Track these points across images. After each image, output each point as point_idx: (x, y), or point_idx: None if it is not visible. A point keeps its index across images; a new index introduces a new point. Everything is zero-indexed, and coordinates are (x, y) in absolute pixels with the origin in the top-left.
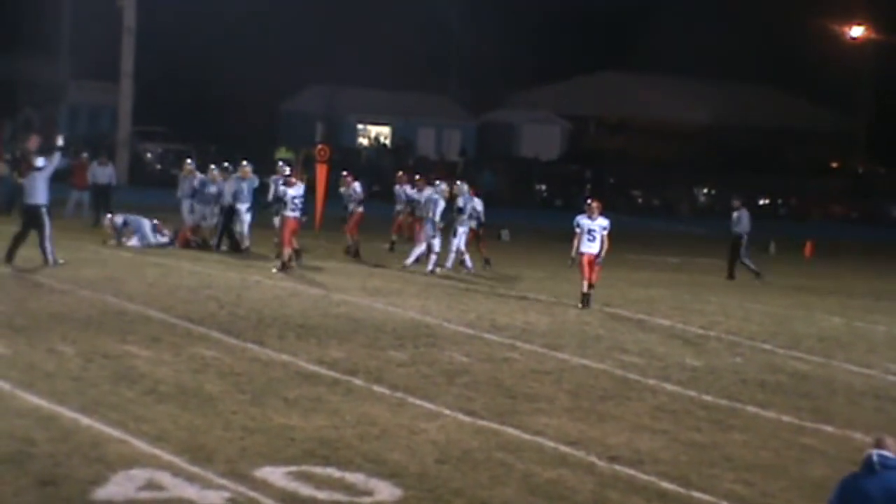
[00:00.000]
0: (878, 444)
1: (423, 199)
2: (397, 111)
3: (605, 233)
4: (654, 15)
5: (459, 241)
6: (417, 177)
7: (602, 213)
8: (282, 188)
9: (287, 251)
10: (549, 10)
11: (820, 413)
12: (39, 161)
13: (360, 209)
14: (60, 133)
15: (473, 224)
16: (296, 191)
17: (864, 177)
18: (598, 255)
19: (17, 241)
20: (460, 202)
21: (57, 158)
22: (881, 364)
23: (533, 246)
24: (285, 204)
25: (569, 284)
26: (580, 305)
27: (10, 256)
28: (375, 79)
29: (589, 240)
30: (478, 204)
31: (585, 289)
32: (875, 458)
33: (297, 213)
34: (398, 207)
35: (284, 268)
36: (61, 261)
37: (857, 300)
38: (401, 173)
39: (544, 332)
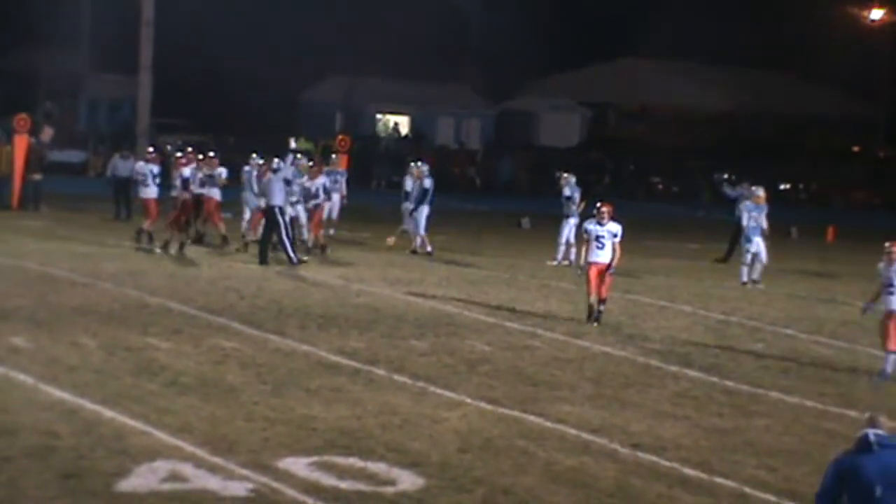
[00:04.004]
0: (872, 423)
1: (314, 188)
2: (416, 100)
3: (616, 240)
4: (674, 1)
5: (570, 233)
6: (311, 164)
7: (613, 219)
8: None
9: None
10: None
11: (843, 398)
12: (275, 163)
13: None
14: (294, 137)
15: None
16: (188, 171)
17: (885, 162)
18: (608, 266)
19: (265, 242)
20: (567, 192)
21: (290, 161)
22: None
23: (553, 234)
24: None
25: None
26: (587, 320)
27: (263, 258)
28: (394, 68)
29: (598, 247)
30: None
31: (594, 303)
32: (872, 437)
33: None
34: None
35: (166, 247)
36: (305, 258)
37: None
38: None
39: (565, 320)
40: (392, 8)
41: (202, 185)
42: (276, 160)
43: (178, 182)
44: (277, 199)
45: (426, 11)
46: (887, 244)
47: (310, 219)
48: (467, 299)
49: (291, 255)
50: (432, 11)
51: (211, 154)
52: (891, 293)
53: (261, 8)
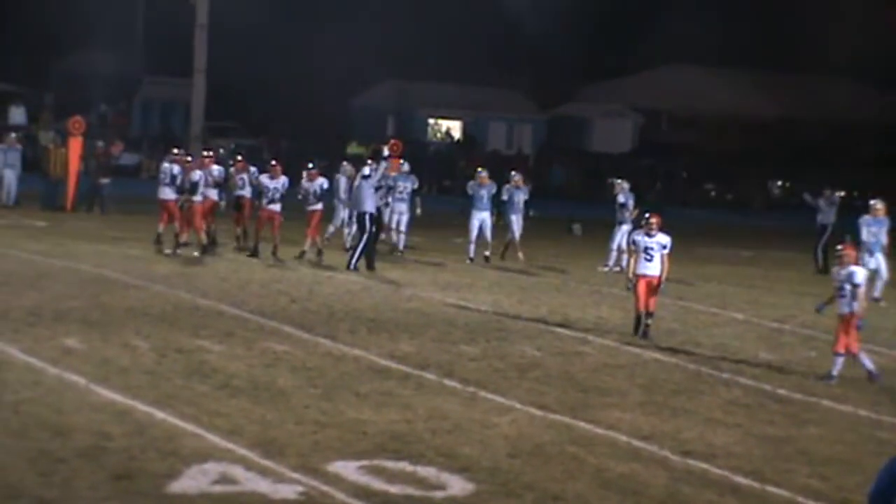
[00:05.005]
0: None
1: (273, 187)
2: (468, 106)
3: (665, 252)
4: (725, 7)
5: (621, 239)
6: (273, 163)
7: (662, 230)
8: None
9: (201, 235)
10: (619, 2)
11: None
12: (366, 170)
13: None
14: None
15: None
16: (198, 175)
17: None
18: (658, 281)
19: (367, 248)
20: (621, 199)
21: (382, 167)
22: None
23: (604, 239)
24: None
25: None
26: (636, 334)
27: (371, 265)
28: (446, 73)
29: (646, 259)
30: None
31: (643, 317)
32: None
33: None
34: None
35: (205, 250)
36: (359, 271)
37: None
38: (239, 159)
39: (616, 326)
40: (444, 13)
41: (215, 186)
42: (366, 167)
43: (188, 185)
44: (368, 205)
45: (478, 17)
46: (839, 247)
47: (308, 222)
48: (518, 304)
49: (354, 261)
50: (484, 17)
51: (206, 154)
52: (842, 296)
53: (313, 12)
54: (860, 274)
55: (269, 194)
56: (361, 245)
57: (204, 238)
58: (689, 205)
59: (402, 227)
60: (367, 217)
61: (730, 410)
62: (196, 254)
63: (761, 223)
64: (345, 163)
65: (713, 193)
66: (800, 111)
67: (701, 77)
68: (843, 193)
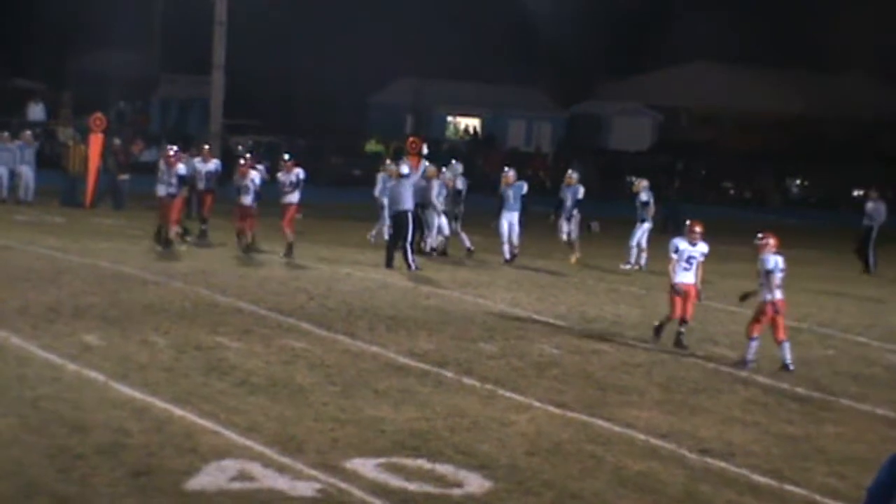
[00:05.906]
0: None
1: (244, 184)
2: (486, 103)
3: (702, 258)
4: (744, 4)
5: (641, 237)
6: (206, 147)
7: (703, 238)
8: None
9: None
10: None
11: None
12: (404, 168)
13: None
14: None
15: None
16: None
17: None
18: (697, 291)
19: (391, 248)
20: (643, 197)
21: (422, 168)
22: None
23: (622, 237)
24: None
25: (657, 277)
26: (656, 336)
27: (389, 263)
28: (464, 71)
29: (685, 268)
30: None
31: (664, 324)
32: None
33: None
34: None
35: (167, 244)
36: (420, 268)
37: None
38: (206, 147)
39: (635, 324)
40: (462, 10)
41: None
42: (404, 166)
43: (173, 180)
44: (406, 203)
45: (497, 14)
46: (759, 235)
47: (282, 215)
48: (537, 302)
49: (410, 261)
50: (503, 14)
51: (170, 152)
52: (761, 284)
53: (331, 9)
54: (771, 261)
55: (241, 190)
56: (410, 244)
57: (175, 232)
58: (707, 202)
59: (446, 231)
60: (407, 215)
61: (748, 409)
62: (184, 247)
63: (779, 221)
64: (388, 161)
65: (731, 191)
66: (818, 108)
67: (719, 74)
68: (861, 192)
